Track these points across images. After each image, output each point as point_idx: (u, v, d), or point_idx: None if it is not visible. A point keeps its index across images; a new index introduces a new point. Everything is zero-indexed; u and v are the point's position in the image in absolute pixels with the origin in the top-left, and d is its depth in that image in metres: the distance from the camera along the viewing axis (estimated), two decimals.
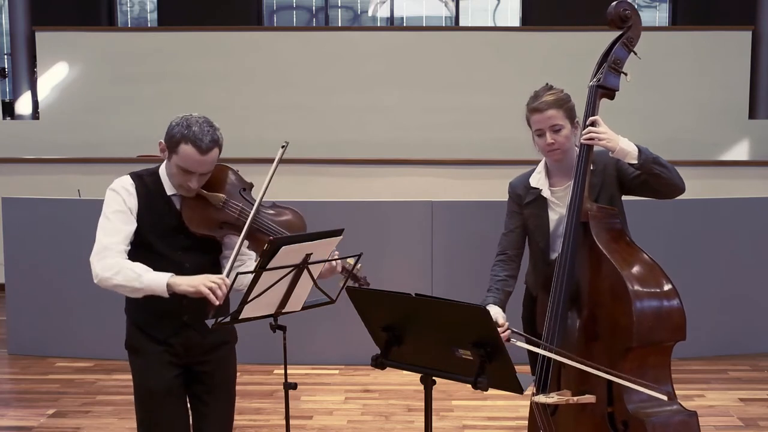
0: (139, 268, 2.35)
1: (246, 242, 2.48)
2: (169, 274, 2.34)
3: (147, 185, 2.47)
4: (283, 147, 2.51)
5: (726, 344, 5.06)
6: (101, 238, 2.40)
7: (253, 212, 2.43)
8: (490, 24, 10.53)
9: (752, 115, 8.18)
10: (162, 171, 2.50)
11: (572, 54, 7.17)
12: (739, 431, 3.91)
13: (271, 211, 2.56)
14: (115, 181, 2.48)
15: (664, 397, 2.27)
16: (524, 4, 10.05)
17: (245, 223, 2.42)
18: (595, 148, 2.51)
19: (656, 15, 10.46)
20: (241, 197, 2.52)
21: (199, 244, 2.49)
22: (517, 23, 10.20)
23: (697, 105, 7.83)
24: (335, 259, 2.42)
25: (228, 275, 2.37)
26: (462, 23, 10.48)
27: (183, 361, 2.54)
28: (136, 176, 2.49)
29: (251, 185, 2.58)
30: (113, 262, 2.36)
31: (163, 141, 2.41)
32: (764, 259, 5.09)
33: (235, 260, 2.41)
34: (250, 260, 2.60)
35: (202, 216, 2.47)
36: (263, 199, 2.48)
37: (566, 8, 9.08)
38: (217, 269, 2.54)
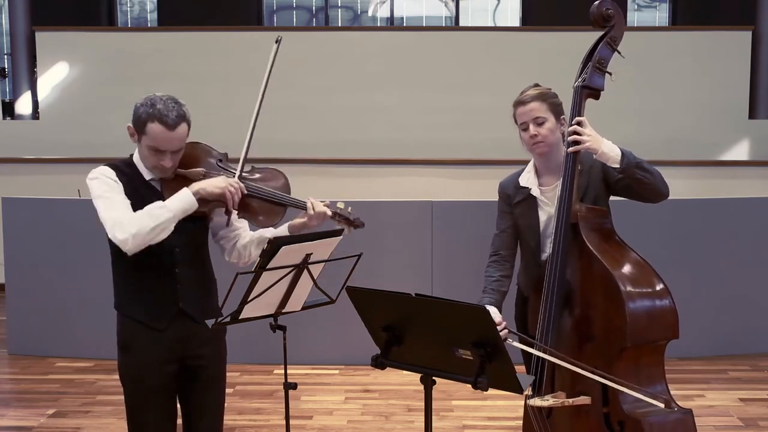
0: (157, 203, 2.34)
1: (236, 211, 2.49)
2: (187, 189, 2.34)
3: (125, 173, 2.45)
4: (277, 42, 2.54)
5: (726, 344, 5.06)
6: (109, 214, 2.34)
7: (236, 176, 2.45)
8: (490, 24, 10.52)
9: (752, 115, 8.18)
10: (136, 158, 2.49)
11: (572, 54, 7.10)
12: (739, 431, 3.91)
13: (257, 175, 2.56)
14: (91, 172, 2.44)
15: (661, 405, 2.26)
16: (524, 4, 10.04)
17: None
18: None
19: (656, 15, 10.45)
20: (219, 168, 2.53)
21: (186, 228, 2.43)
22: (517, 23, 10.19)
23: (697, 105, 7.83)
24: (335, 260, 2.42)
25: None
26: (462, 23, 10.47)
27: (179, 355, 2.52)
28: (112, 165, 2.47)
29: (226, 155, 2.59)
30: (132, 218, 2.32)
31: (131, 125, 2.41)
32: (764, 259, 5.10)
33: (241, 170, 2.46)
34: (244, 230, 2.62)
35: None
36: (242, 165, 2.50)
37: (566, 8, 9.06)
38: (205, 252, 2.56)
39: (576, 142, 2.47)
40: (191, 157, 2.51)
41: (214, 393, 2.65)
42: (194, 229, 2.50)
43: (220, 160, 2.56)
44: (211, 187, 2.36)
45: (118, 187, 2.40)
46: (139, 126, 2.38)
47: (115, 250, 2.48)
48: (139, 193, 2.43)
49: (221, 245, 2.63)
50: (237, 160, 2.52)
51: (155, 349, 2.48)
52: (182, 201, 2.33)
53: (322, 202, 2.54)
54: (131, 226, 2.30)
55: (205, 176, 2.47)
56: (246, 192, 2.46)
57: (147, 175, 2.46)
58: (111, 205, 2.36)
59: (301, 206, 2.53)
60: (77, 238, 4.98)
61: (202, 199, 2.35)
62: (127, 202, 2.38)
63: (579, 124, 2.48)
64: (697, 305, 4.80)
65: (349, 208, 2.59)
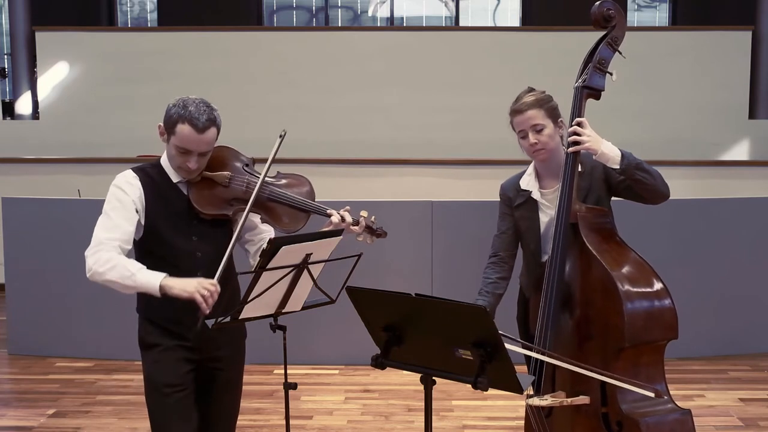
0: (134, 266, 2.32)
1: (258, 216, 2.53)
2: (163, 275, 2.30)
3: (151, 176, 2.48)
4: (281, 137, 2.54)
5: (726, 344, 5.06)
6: (98, 233, 2.39)
7: (260, 181, 2.45)
8: (490, 24, 10.54)
9: (752, 115, 8.18)
10: (164, 161, 2.51)
11: (572, 54, 7.11)
12: (739, 431, 3.91)
13: (282, 180, 2.59)
14: (117, 176, 2.48)
15: (651, 394, 2.26)
16: (524, 4, 10.05)
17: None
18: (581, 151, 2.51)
19: (656, 15, 10.46)
20: (245, 172, 2.55)
21: (211, 232, 2.49)
22: (517, 23, 10.20)
23: (697, 105, 7.83)
24: (335, 260, 2.42)
25: (232, 247, 2.38)
26: (462, 23, 10.48)
27: (197, 356, 2.53)
28: (138, 169, 2.50)
29: (253, 160, 2.62)
30: (108, 257, 2.33)
31: (161, 124, 2.44)
32: (764, 259, 5.09)
33: (240, 231, 2.42)
34: (269, 235, 2.62)
35: (210, 196, 2.49)
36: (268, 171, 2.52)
37: (566, 8, 9.07)
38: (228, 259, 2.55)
39: (576, 143, 2.47)
40: (219, 160, 2.54)
41: (231, 396, 2.68)
42: (217, 233, 2.51)
43: (247, 165, 2.58)
44: (178, 289, 2.28)
45: (130, 203, 2.41)
46: (169, 126, 2.40)
47: (139, 253, 2.50)
48: (165, 197, 2.46)
49: (246, 248, 2.64)
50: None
51: (174, 351, 2.49)
52: (149, 281, 2.29)
53: (348, 214, 2.54)
54: (101, 263, 2.32)
55: (230, 180, 2.50)
56: (269, 200, 2.49)
57: (174, 178, 2.49)
58: (107, 225, 2.39)
59: (323, 213, 2.55)
60: (77, 238, 4.92)
61: (165, 294, 2.29)
62: (127, 228, 2.39)
63: (579, 124, 2.48)
64: (697, 305, 4.80)
65: (373, 217, 2.59)
